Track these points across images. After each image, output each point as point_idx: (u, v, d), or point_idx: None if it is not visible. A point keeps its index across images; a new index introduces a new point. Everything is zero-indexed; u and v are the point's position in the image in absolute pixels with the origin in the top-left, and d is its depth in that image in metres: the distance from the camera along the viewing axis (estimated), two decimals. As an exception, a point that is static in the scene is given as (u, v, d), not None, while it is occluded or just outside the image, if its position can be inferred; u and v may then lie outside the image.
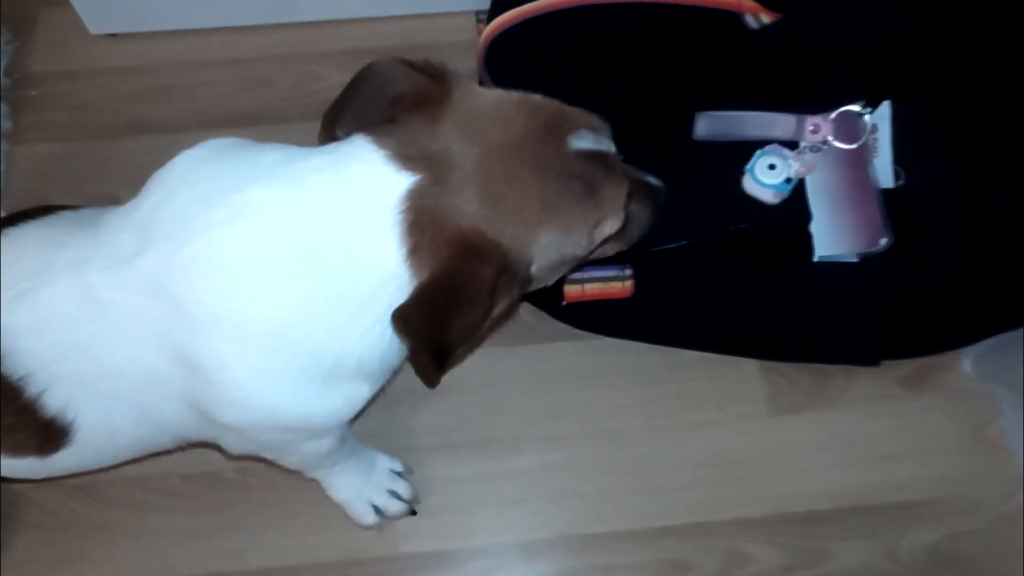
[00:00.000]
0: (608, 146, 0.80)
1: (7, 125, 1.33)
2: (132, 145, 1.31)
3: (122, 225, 0.77)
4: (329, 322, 0.74)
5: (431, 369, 0.74)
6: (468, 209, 0.71)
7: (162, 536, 1.12)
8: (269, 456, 0.95)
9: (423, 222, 0.70)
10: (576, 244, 0.78)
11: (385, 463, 1.12)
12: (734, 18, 1.11)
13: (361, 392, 0.83)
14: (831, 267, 1.11)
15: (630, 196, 0.82)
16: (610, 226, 0.79)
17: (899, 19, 1.11)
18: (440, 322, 0.70)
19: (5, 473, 0.90)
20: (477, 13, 1.38)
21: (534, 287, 0.82)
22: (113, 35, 1.41)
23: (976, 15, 1.13)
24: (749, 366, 1.21)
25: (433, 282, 0.70)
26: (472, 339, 0.74)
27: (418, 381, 1.18)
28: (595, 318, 1.19)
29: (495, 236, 0.71)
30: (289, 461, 0.98)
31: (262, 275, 0.72)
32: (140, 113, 1.35)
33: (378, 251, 0.71)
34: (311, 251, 0.72)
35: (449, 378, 1.19)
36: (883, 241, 1.10)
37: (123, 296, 0.74)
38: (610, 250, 0.90)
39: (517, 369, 1.21)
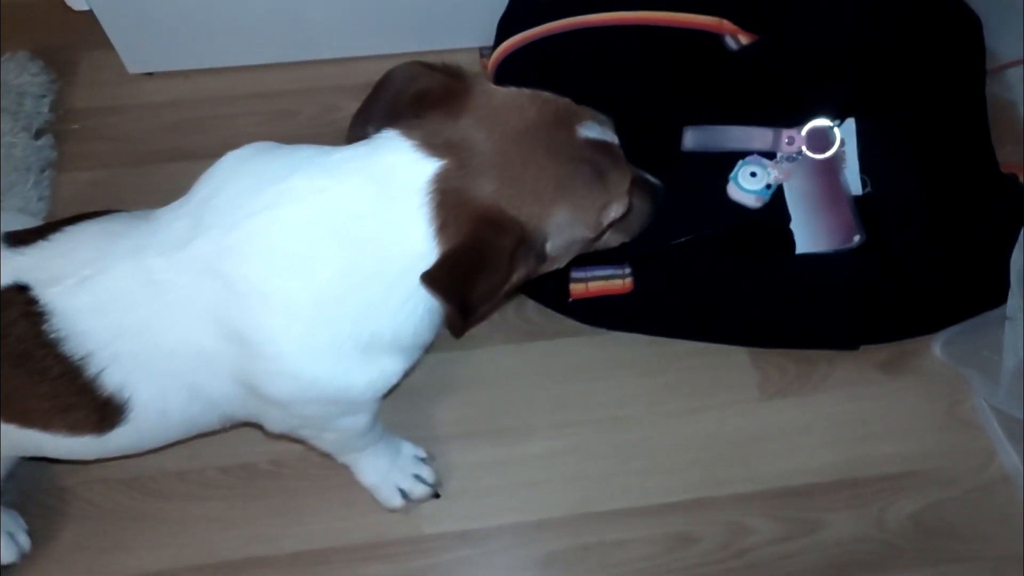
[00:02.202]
0: (612, 138, 0.85)
1: (52, 155, 1.37)
2: (167, 171, 1.35)
3: (176, 215, 0.80)
4: (366, 297, 0.77)
5: (456, 321, 0.77)
6: (489, 189, 0.75)
7: (201, 524, 1.13)
8: (307, 434, 0.97)
9: (449, 202, 0.74)
10: (586, 224, 0.81)
11: (410, 450, 1.14)
12: (716, 40, 1.18)
13: (396, 366, 0.85)
14: (811, 260, 1.16)
15: (633, 184, 0.86)
16: (616, 210, 0.83)
17: (858, 42, 1.18)
18: (464, 283, 0.73)
19: (62, 454, 0.92)
20: (481, 49, 1.44)
21: (548, 268, 0.86)
22: (150, 74, 1.46)
23: (919, 38, 1.21)
24: (740, 355, 1.24)
25: (458, 249, 0.74)
26: (493, 299, 0.77)
27: (438, 376, 1.21)
28: (598, 313, 1.22)
29: (514, 212, 0.75)
30: (326, 440, 1.00)
31: (304, 254, 0.76)
32: (174, 142, 1.40)
33: (409, 229, 0.75)
34: (348, 232, 0.75)
35: (466, 373, 1.22)
36: (856, 238, 1.15)
37: (178, 278, 0.77)
38: (613, 240, 0.94)
39: (528, 364, 1.24)
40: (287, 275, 0.76)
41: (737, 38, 1.17)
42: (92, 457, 0.93)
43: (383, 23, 1.40)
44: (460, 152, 0.75)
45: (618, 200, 0.83)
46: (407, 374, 0.89)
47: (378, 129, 0.79)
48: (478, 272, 0.74)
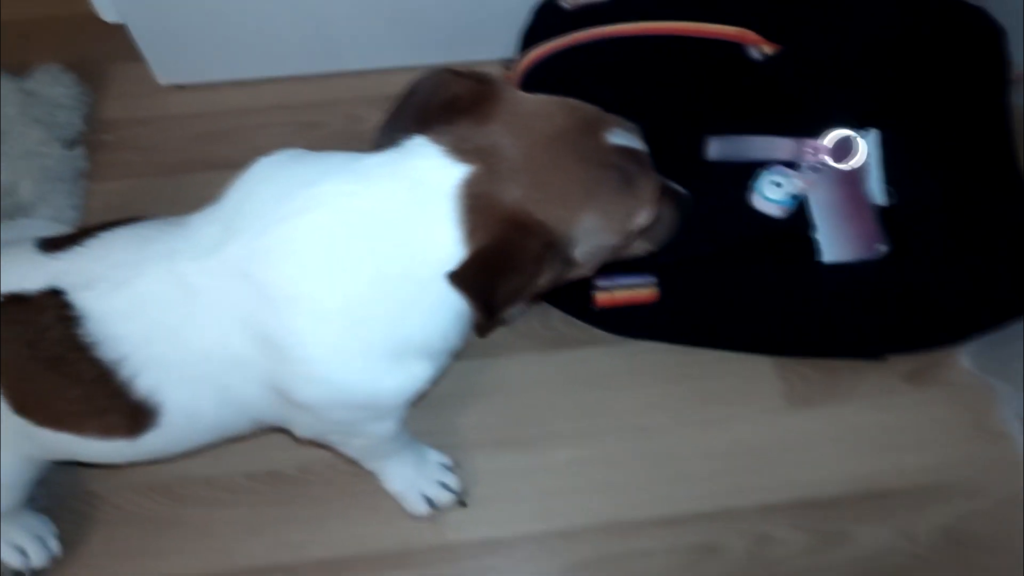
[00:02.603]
0: (640, 145, 0.85)
1: (84, 165, 1.38)
2: (197, 180, 1.36)
3: (208, 220, 0.81)
4: (396, 301, 0.77)
5: (482, 320, 0.77)
6: (517, 193, 0.74)
7: (228, 530, 1.12)
8: (335, 440, 0.97)
9: (477, 206, 0.74)
10: (614, 231, 0.81)
11: (435, 457, 1.13)
12: (739, 50, 1.17)
13: (424, 371, 0.85)
14: (836, 268, 1.14)
15: (660, 192, 0.86)
16: (643, 217, 0.83)
17: (878, 52, 1.17)
18: (490, 282, 0.73)
19: (94, 458, 0.92)
20: (504, 61, 1.44)
21: (575, 274, 0.85)
22: (180, 86, 1.47)
23: (940, 48, 1.20)
24: (765, 364, 1.23)
25: (485, 249, 0.73)
26: (518, 300, 0.77)
27: (463, 384, 1.21)
28: (624, 321, 1.21)
29: (541, 216, 0.75)
30: (353, 446, 0.99)
31: (335, 258, 0.75)
32: (203, 153, 1.41)
33: (438, 234, 0.74)
34: (378, 236, 0.75)
35: (491, 381, 1.22)
36: (881, 248, 1.14)
37: (210, 282, 0.77)
38: (640, 249, 0.93)
39: (552, 372, 1.23)
40: (317, 279, 0.76)
41: (760, 48, 1.16)
42: (124, 461, 0.93)
43: (408, 35, 1.41)
44: (489, 157, 0.75)
45: (646, 207, 0.83)
46: (435, 380, 0.88)
47: (407, 136, 0.79)
48: (504, 272, 0.73)
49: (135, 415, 0.83)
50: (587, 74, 1.18)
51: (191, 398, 0.83)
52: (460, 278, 0.73)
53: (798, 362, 1.23)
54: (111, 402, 0.82)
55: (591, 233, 0.79)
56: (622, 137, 0.81)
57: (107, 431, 0.85)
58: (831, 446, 1.18)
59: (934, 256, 1.15)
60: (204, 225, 0.81)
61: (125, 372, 0.80)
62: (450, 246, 0.74)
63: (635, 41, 1.16)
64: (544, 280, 0.77)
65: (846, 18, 1.17)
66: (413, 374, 0.84)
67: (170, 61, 1.43)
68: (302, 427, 0.91)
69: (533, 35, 1.25)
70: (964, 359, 1.22)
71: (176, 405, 0.83)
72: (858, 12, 1.17)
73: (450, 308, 0.79)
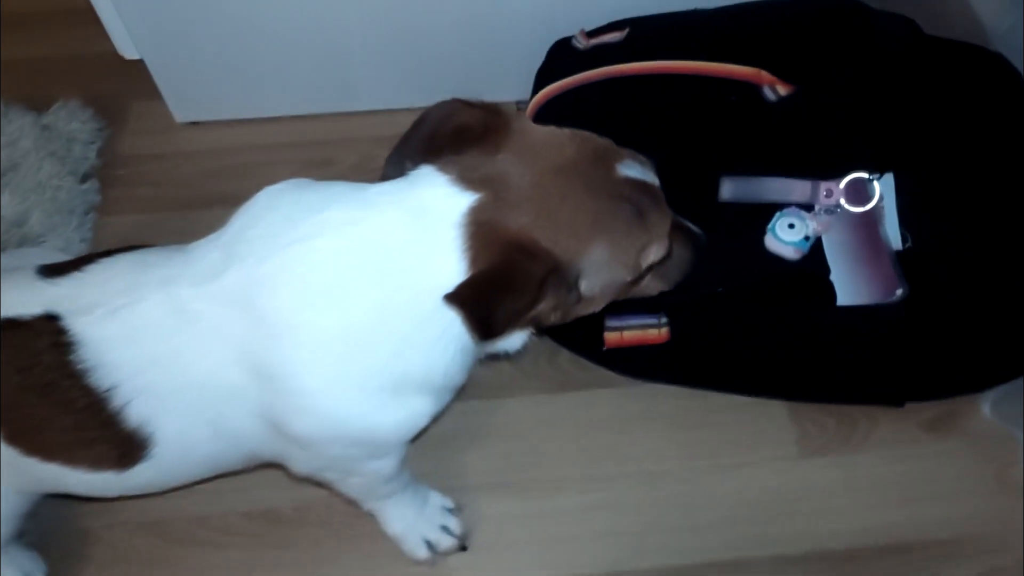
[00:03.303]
0: (653, 179, 0.82)
1: (96, 199, 1.37)
2: (208, 216, 1.30)
3: (210, 247, 0.78)
4: (398, 333, 0.74)
5: (475, 338, 0.74)
6: (524, 220, 0.71)
7: (221, 572, 1.07)
8: (332, 477, 0.92)
9: (483, 233, 0.71)
10: (624, 265, 0.77)
11: (437, 500, 1.08)
12: (754, 90, 1.15)
13: (425, 408, 0.81)
14: (852, 312, 1.10)
15: (673, 229, 0.82)
16: (655, 252, 0.79)
17: (896, 95, 1.15)
18: (487, 301, 0.69)
19: (84, 491, 0.88)
20: (517, 103, 1.43)
21: (584, 310, 0.82)
22: (196, 123, 1.47)
23: (957, 91, 1.17)
24: (778, 410, 1.18)
25: (486, 270, 0.70)
26: (516, 323, 0.73)
27: (468, 425, 1.16)
28: (633, 363, 1.17)
29: (548, 245, 0.71)
30: (351, 485, 0.95)
31: (337, 287, 0.72)
32: (216, 188, 1.39)
33: (442, 263, 0.71)
34: (382, 265, 0.72)
35: (496, 423, 1.17)
36: (898, 292, 1.10)
37: (209, 308, 0.74)
38: (652, 288, 0.89)
39: (559, 414, 1.18)
40: (318, 308, 0.72)
41: (775, 88, 1.14)
42: (113, 494, 0.89)
43: (422, 76, 1.40)
44: (496, 186, 0.72)
45: (658, 242, 0.79)
46: (436, 417, 0.84)
47: (415, 165, 0.77)
48: (503, 292, 0.69)
49: (126, 446, 0.79)
50: (600, 113, 1.16)
51: (184, 430, 0.79)
52: (458, 297, 0.69)
53: (813, 408, 1.18)
54: (102, 432, 0.78)
55: (600, 266, 0.76)
56: (634, 170, 0.78)
57: (97, 462, 0.81)
58: (847, 496, 1.12)
59: (953, 302, 1.10)
60: (206, 252, 0.78)
61: (117, 401, 0.76)
62: (454, 276, 0.71)
63: (648, 80, 1.14)
64: (547, 307, 0.74)
65: (861, 60, 1.15)
66: (413, 410, 0.80)
67: (187, 99, 1.43)
68: (298, 463, 0.86)
69: (546, 75, 1.23)
70: (985, 408, 1.17)
71: (168, 437, 0.79)
72: (873, 55, 1.15)
73: (453, 341, 0.75)
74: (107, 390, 0.76)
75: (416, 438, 0.87)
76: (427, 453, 1.12)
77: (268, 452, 0.85)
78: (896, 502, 1.12)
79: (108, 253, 0.86)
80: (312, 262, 0.72)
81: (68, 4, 1.50)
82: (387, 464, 0.90)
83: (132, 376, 0.76)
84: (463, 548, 1.07)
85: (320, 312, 0.72)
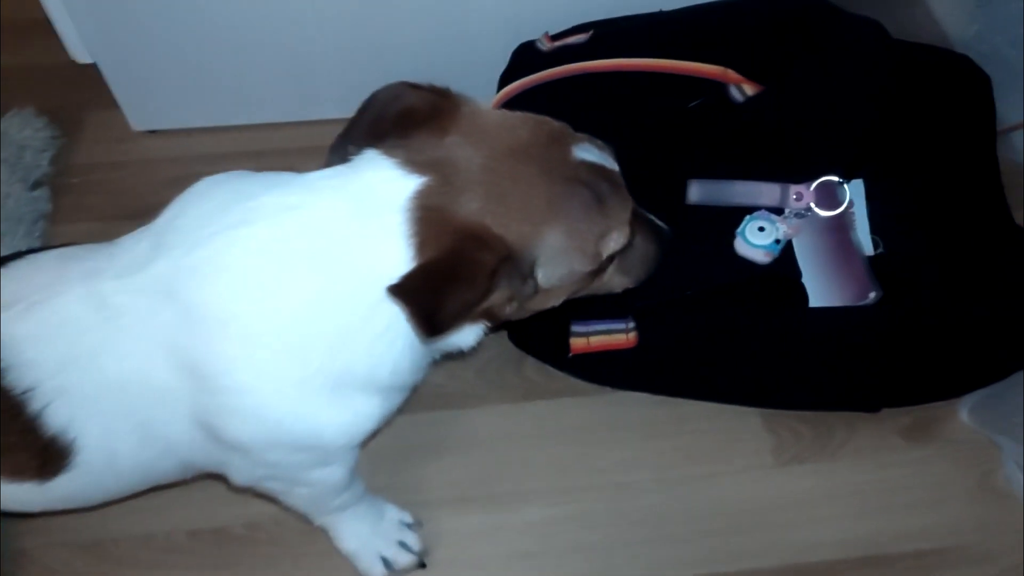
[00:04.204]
0: (612, 165, 0.77)
1: (46, 207, 1.30)
2: (163, 224, 1.29)
3: (138, 238, 0.73)
4: (339, 326, 0.68)
5: (420, 334, 0.68)
6: (474, 205, 0.66)
7: (165, 594, 1.00)
8: (276, 488, 0.85)
9: (430, 219, 0.65)
10: (583, 253, 0.72)
11: (394, 514, 1.01)
12: (721, 89, 1.11)
13: (372, 409, 0.74)
14: (825, 315, 1.05)
15: (636, 219, 0.78)
16: (616, 240, 0.74)
17: (864, 97, 1.11)
18: (434, 294, 0.63)
19: (4, 504, 0.81)
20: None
21: (543, 303, 0.76)
22: (154, 131, 1.41)
23: (928, 94, 1.14)
24: (752, 418, 1.13)
25: (433, 260, 0.65)
26: (465, 316, 0.68)
27: (428, 436, 1.10)
28: (600, 369, 1.11)
29: (500, 230, 0.66)
30: (298, 497, 0.88)
31: (271, 277, 0.67)
32: (170, 197, 1.32)
33: (387, 250, 0.65)
34: (321, 252, 0.66)
35: (459, 434, 1.11)
36: (871, 295, 1.05)
37: (132, 302, 0.68)
38: (616, 283, 0.84)
39: (525, 425, 1.12)
40: (251, 299, 0.67)
41: (742, 88, 1.10)
42: (37, 508, 0.81)
43: (385, 82, 1.35)
44: (445, 168, 0.67)
45: (618, 229, 0.74)
46: (388, 421, 0.78)
47: (359, 150, 0.72)
48: (451, 284, 0.64)
49: (46, 454, 0.72)
50: (562, 112, 1.11)
51: (108, 435, 0.72)
52: (402, 289, 0.64)
53: (788, 415, 1.13)
54: (19, 438, 0.71)
55: (556, 253, 0.70)
56: (592, 154, 0.74)
57: (16, 472, 0.74)
58: (824, 506, 1.07)
59: (927, 305, 1.06)
60: (133, 243, 0.73)
61: (36, 404, 0.70)
62: (400, 264, 0.65)
63: (612, 78, 1.10)
64: (500, 299, 0.68)
65: (829, 60, 1.11)
66: (358, 411, 0.74)
67: (144, 106, 1.37)
68: (237, 472, 0.80)
69: (510, 78, 1.19)
70: (963, 413, 1.12)
71: (92, 444, 0.72)
72: (841, 54, 1.12)
73: (401, 336, 0.70)
74: (24, 392, 0.69)
75: (366, 443, 0.81)
76: (384, 466, 1.06)
77: (204, 460, 0.78)
78: (876, 511, 1.06)
79: (36, 250, 0.80)
80: (244, 251, 0.67)
81: (26, 15, 1.46)
82: (334, 473, 0.83)
83: (51, 376, 0.70)
84: (422, 565, 1.00)
85: (253, 304, 0.67)
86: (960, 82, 1.18)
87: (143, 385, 0.69)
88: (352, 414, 0.74)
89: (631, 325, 1.08)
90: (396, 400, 0.78)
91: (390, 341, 0.70)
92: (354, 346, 0.69)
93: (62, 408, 0.70)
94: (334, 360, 0.69)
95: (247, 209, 0.68)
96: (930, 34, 1.44)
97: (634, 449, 1.11)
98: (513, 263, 0.67)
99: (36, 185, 1.32)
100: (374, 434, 0.79)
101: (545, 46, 1.19)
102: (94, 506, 0.84)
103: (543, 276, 0.71)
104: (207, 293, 0.67)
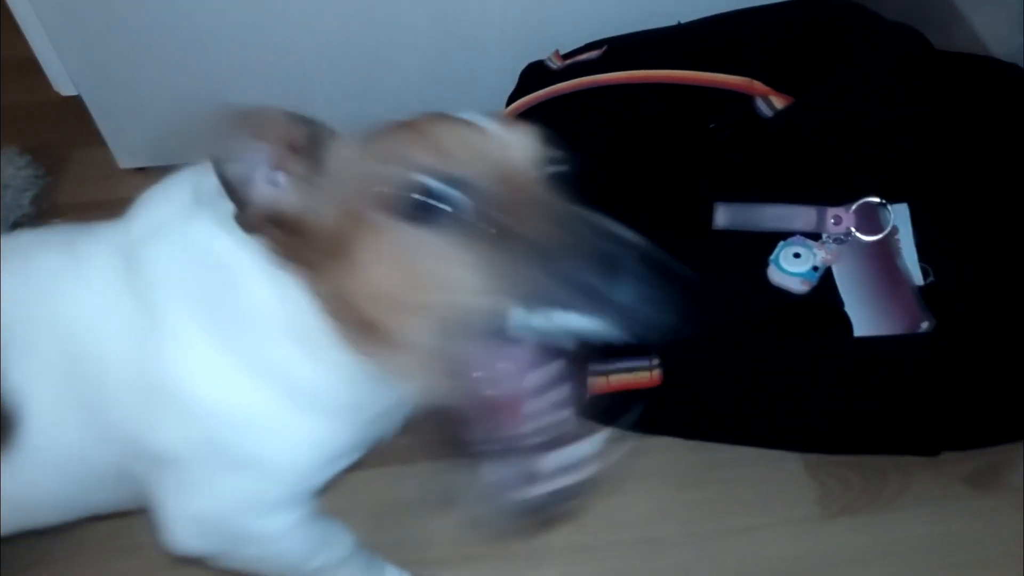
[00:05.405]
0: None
1: (27, 248, 1.27)
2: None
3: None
4: (260, 313, 0.63)
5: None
6: None
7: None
8: (221, 544, 0.72)
9: None
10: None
11: (394, 575, 0.92)
12: (747, 103, 1.05)
13: (322, 432, 0.66)
14: (873, 345, 0.97)
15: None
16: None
17: (907, 109, 1.05)
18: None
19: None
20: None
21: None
22: (141, 169, 1.38)
23: (968, 105, 1.08)
24: (794, 464, 1.04)
25: None
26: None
27: (429, 488, 1.02)
28: (624, 412, 1.03)
29: None
30: (245, 559, 0.75)
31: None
32: (159, 235, 1.29)
33: None
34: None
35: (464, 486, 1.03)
36: (924, 324, 0.97)
37: (97, 251, 0.68)
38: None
39: (539, 474, 1.04)
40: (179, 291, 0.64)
41: (770, 100, 1.04)
42: None
43: (386, 109, 1.31)
44: None
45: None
46: (345, 460, 0.70)
47: None
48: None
49: None
50: (579, 129, 1.06)
51: (57, 408, 0.66)
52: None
53: (834, 460, 1.04)
54: None
55: None
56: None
57: None
58: (878, 563, 0.97)
59: (986, 339, 0.97)
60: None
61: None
62: None
63: (626, 93, 1.05)
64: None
65: (866, 69, 1.05)
66: (309, 431, 0.66)
67: (131, 143, 1.34)
68: (171, 511, 0.69)
69: (518, 98, 1.14)
70: (1032, 459, 1.03)
71: (39, 420, 0.65)
72: (879, 63, 1.06)
73: (345, 358, 0.61)
74: None
75: (326, 490, 0.72)
76: (383, 521, 0.97)
77: (135, 485, 0.69)
78: (938, 569, 0.96)
79: None
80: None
81: (11, 52, 1.45)
82: (282, 522, 0.72)
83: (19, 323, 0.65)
84: (425, 635, 0.91)
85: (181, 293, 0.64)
86: (1010, 94, 1.11)
87: (95, 345, 0.65)
88: (296, 430, 0.66)
89: (655, 362, 1.00)
90: (355, 427, 0.68)
91: (301, 335, 0.62)
92: (285, 344, 0.62)
93: (16, 366, 0.65)
94: (261, 350, 0.63)
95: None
96: (968, 49, 1.38)
97: (660, 500, 1.02)
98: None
99: (16, 226, 1.28)
100: (334, 480, 0.71)
101: (555, 64, 1.14)
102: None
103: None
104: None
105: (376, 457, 0.77)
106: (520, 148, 0.59)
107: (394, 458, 0.99)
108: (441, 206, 0.54)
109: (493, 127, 0.59)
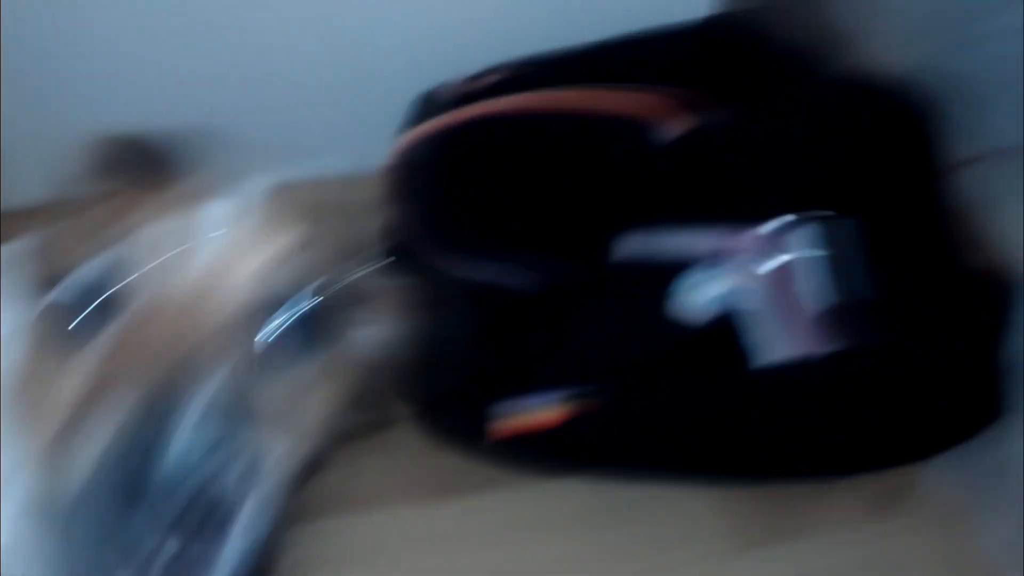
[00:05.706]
0: None
1: None
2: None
3: None
4: None
5: None
6: None
7: None
8: None
9: None
10: None
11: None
12: (642, 129, 1.04)
13: None
14: (773, 374, 0.96)
15: None
16: None
17: (812, 132, 1.07)
18: None
19: None
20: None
21: None
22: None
23: (873, 136, 1.10)
24: (705, 499, 1.02)
25: None
26: None
27: (320, 547, 0.94)
28: (527, 455, 0.99)
29: None
30: None
31: None
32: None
33: None
34: None
35: (359, 543, 0.95)
36: (825, 349, 0.97)
37: None
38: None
39: (440, 528, 0.99)
40: None
41: (673, 124, 1.03)
42: None
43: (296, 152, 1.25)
44: None
45: None
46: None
47: None
48: None
49: None
50: (460, 168, 1.03)
51: None
52: None
53: (743, 493, 1.03)
54: None
55: None
56: None
57: None
58: (798, 595, 0.95)
59: (887, 360, 0.98)
60: None
61: None
62: None
63: (516, 123, 1.02)
64: None
65: (772, 88, 1.07)
66: None
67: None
68: None
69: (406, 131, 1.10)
70: (934, 479, 1.04)
71: None
72: (783, 82, 1.07)
73: None
74: None
75: None
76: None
77: None
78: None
79: None
80: None
81: None
82: None
83: None
84: None
85: None
86: (901, 114, 1.14)
87: None
88: None
89: (558, 399, 0.97)
90: None
91: None
92: None
93: None
94: None
95: None
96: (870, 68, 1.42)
97: (573, 545, 0.98)
98: None
99: None
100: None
101: (447, 92, 1.11)
102: None
103: None
104: None
105: None
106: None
107: None
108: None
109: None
